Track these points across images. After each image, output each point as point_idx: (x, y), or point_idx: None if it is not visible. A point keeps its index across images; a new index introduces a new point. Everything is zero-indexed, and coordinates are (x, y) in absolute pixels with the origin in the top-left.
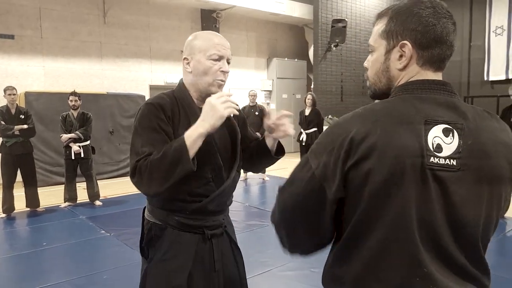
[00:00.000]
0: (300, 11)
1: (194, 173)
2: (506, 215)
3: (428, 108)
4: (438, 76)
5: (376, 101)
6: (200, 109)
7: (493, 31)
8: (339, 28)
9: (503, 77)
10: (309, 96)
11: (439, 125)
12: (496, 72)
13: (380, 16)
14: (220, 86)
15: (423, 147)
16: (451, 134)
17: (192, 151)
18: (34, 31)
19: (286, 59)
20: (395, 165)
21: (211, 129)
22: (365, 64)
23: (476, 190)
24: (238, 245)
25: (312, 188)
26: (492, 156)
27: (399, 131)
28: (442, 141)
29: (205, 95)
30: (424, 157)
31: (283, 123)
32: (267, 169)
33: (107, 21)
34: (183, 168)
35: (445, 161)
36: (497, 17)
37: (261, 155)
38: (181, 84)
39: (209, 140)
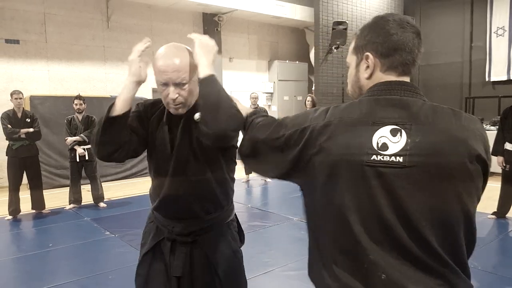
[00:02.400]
0: (301, 14)
1: (154, 171)
2: (508, 215)
3: (380, 110)
4: (402, 79)
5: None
6: (174, 117)
7: (494, 32)
8: (340, 30)
9: (504, 78)
10: (308, 98)
11: (386, 126)
12: (497, 72)
13: (353, 36)
14: (177, 109)
15: (364, 146)
16: (398, 134)
17: (118, 103)
18: (38, 36)
19: (287, 61)
20: (336, 162)
21: (131, 83)
22: (348, 79)
23: (425, 185)
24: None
25: (276, 144)
26: (445, 153)
27: (346, 132)
28: (389, 140)
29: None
30: (363, 155)
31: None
32: None
33: (110, 26)
34: (105, 117)
35: (390, 158)
36: (498, 18)
37: None
38: None
39: (165, 144)
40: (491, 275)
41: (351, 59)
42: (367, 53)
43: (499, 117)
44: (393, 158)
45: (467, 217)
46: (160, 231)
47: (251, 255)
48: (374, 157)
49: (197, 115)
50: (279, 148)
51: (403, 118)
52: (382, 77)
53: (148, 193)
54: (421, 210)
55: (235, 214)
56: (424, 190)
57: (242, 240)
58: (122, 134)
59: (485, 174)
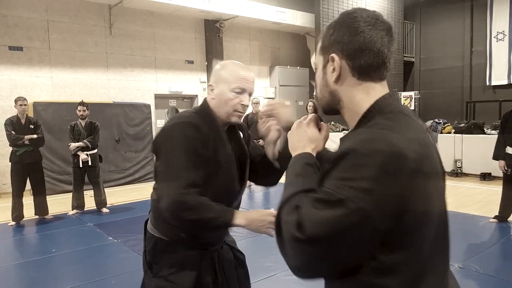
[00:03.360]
0: (301, 20)
1: (211, 190)
2: (510, 219)
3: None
4: (384, 86)
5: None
6: (223, 130)
7: (494, 37)
8: None
9: (505, 82)
10: (310, 103)
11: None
12: (498, 77)
13: (320, 34)
14: (240, 117)
15: (436, 153)
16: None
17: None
18: (42, 43)
19: (288, 67)
20: (430, 177)
21: (244, 227)
22: (316, 82)
23: (444, 189)
24: (242, 250)
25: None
26: (438, 160)
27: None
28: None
29: (225, 122)
30: (439, 165)
31: (269, 124)
32: None
33: (113, 33)
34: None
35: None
36: (498, 23)
37: (266, 170)
38: (207, 106)
39: (230, 167)
40: (493, 279)
41: (318, 60)
42: (332, 54)
43: (500, 121)
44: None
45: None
46: (189, 253)
47: (254, 259)
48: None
49: (241, 133)
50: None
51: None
52: (365, 87)
53: (149, 198)
54: (446, 213)
55: None
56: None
57: None
58: None
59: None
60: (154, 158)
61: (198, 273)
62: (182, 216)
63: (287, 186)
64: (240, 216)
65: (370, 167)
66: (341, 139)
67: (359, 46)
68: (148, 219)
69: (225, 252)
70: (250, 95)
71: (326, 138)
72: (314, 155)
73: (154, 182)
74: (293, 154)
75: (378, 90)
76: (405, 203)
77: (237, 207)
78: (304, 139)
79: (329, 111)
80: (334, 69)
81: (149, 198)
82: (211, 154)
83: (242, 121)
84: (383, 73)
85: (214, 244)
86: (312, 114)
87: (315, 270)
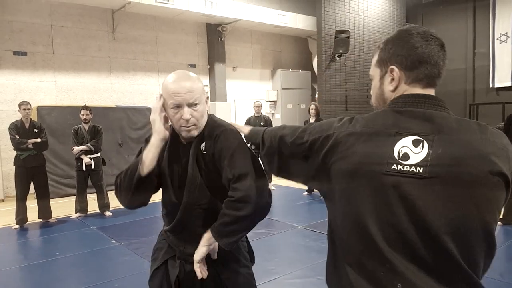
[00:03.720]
0: (303, 23)
1: (167, 198)
2: None
3: (403, 121)
4: (427, 91)
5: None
6: (182, 144)
7: (497, 39)
8: (342, 39)
9: (508, 84)
10: (312, 106)
11: (409, 137)
12: (501, 79)
13: (376, 49)
14: (190, 131)
15: (385, 155)
16: (420, 145)
17: (147, 162)
18: (46, 48)
19: (290, 70)
20: (356, 170)
21: (157, 140)
22: (371, 92)
23: (445, 196)
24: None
25: (301, 150)
26: (466, 165)
27: (368, 141)
28: (410, 151)
29: (183, 137)
30: (383, 164)
31: None
32: (273, 178)
33: (116, 37)
34: (137, 176)
35: (410, 168)
36: (501, 25)
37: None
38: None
39: (178, 172)
40: (498, 282)
41: (374, 72)
42: (392, 66)
43: (503, 123)
44: (413, 168)
45: (486, 230)
46: (171, 249)
47: (256, 263)
48: (394, 166)
49: (203, 146)
50: (303, 153)
51: (426, 129)
52: (407, 89)
53: (156, 202)
54: (440, 220)
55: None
56: (443, 201)
57: (252, 259)
58: (151, 188)
59: (508, 188)
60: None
61: (161, 265)
62: (117, 192)
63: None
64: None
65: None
66: None
67: (417, 59)
68: None
69: (208, 272)
70: (190, 105)
71: None
72: None
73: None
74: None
75: (416, 92)
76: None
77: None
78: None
79: None
80: (392, 79)
81: (152, 201)
82: (161, 166)
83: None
84: (435, 82)
85: (185, 254)
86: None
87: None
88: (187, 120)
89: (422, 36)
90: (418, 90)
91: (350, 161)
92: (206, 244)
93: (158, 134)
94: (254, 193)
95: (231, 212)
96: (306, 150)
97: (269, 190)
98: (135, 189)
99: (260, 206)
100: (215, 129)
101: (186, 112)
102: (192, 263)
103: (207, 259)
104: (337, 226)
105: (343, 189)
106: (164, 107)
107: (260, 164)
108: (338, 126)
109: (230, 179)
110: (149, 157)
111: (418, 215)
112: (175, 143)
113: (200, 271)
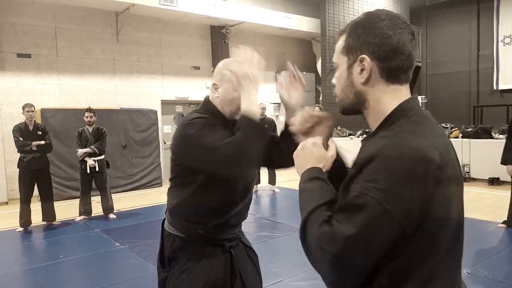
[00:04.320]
0: (307, 25)
1: (229, 187)
2: None
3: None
4: (407, 89)
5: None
6: (230, 126)
7: (501, 41)
8: None
9: None
10: (316, 108)
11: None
12: (505, 81)
13: (340, 33)
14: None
15: (456, 158)
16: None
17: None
18: (49, 50)
19: None
20: (454, 179)
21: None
22: (333, 81)
23: (461, 195)
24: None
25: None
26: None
27: (447, 148)
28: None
29: (228, 120)
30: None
31: (293, 85)
32: (277, 181)
33: (120, 39)
34: (258, 127)
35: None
36: (504, 27)
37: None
38: (210, 103)
39: None
40: (502, 285)
41: (340, 60)
42: (363, 55)
43: (507, 125)
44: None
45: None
46: (206, 249)
47: (261, 265)
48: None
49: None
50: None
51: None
52: (392, 90)
53: (160, 205)
54: (461, 218)
55: None
56: (461, 200)
57: None
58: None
59: None
60: (175, 156)
61: (214, 267)
62: (236, 157)
63: (305, 202)
64: (247, 105)
65: (397, 170)
66: (364, 142)
67: (391, 49)
68: (164, 219)
69: (240, 250)
70: None
71: (333, 157)
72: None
73: (170, 182)
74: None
75: (403, 92)
76: (428, 207)
77: (248, 199)
78: (311, 160)
79: (349, 111)
80: (362, 70)
81: (157, 204)
82: None
83: None
84: (409, 76)
85: (230, 240)
86: (318, 137)
87: (344, 273)
88: None
89: (394, 23)
90: (404, 90)
91: (452, 178)
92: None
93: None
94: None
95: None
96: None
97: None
98: (257, 143)
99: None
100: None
101: None
102: (234, 246)
103: (245, 248)
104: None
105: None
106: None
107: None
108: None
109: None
110: (255, 104)
111: (460, 214)
112: (226, 125)
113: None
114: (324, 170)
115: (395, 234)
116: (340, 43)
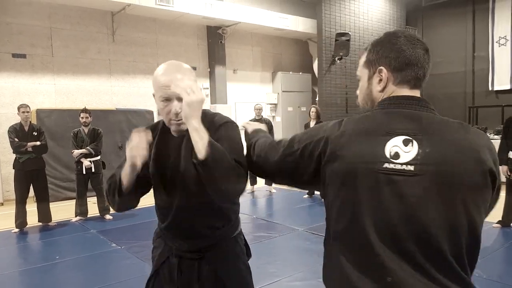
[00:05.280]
0: (304, 26)
1: (158, 194)
2: None
3: (393, 121)
4: (413, 93)
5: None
6: (173, 137)
7: (496, 42)
8: (342, 42)
9: (507, 87)
10: (313, 109)
11: (399, 136)
12: (500, 82)
13: (363, 50)
14: (179, 125)
15: (377, 154)
16: (410, 144)
17: (124, 180)
18: (45, 50)
19: (291, 72)
20: (350, 169)
21: (130, 167)
22: (357, 92)
23: (435, 193)
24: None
25: (292, 159)
26: (454, 163)
27: (360, 141)
28: (401, 150)
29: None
30: (376, 163)
31: None
32: None
33: (115, 39)
34: (118, 193)
35: (401, 166)
36: (500, 28)
37: None
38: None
39: (170, 167)
40: (497, 284)
41: (362, 72)
42: (381, 67)
43: (502, 126)
44: (404, 166)
45: (472, 228)
46: (167, 247)
47: (257, 265)
48: (386, 165)
49: None
50: (295, 161)
51: (415, 129)
52: (395, 90)
53: (154, 205)
54: (431, 217)
55: (240, 229)
56: (433, 198)
57: (248, 253)
58: (135, 196)
59: (495, 186)
60: None
61: (159, 265)
62: (114, 202)
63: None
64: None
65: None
66: None
67: (405, 61)
68: None
69: (205, 270)
70: (180, 99)
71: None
72: None
73: None
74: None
75: (405, 93)
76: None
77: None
78: (258, 126)
79: None
80: (380, 80)
81: (153, 204)
82: (149, 160)
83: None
84: (421, 84)
85: (182, 250)
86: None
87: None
88: (176, 114)
89: (408, 40)
90: (405, 91)
91: (343, 161)
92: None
93: (131, 161)
94: (244, 162)
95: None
96: (298, 158)
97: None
98: (118, 202)
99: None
100: (217, 120)
101: (175, 106)
102: (190, 259)
103: (207, 254)
104: (333, 225)
105: (338, 188)
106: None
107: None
108: (328, 129)
109: None
110: (125, 174)
111: (410, 213)
112: (165, 137)
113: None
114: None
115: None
116: (362, 58)
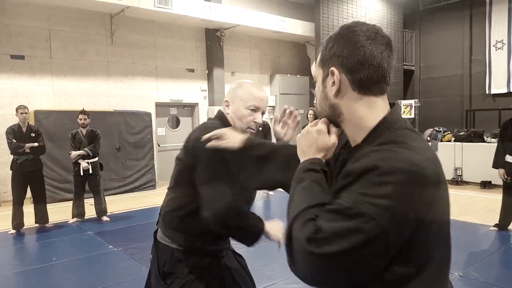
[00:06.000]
0: (301, 29)
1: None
2: (510, 227)
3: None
4: (385, 100)
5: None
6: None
7: (493, 45)
8: None
9: (504, 90)
10: (310, 112)
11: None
12: (497, 85)
13: (320, 46)
14: (252, 133)
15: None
16: None
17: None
18: (43, 52)
19: (288, 75)
20: (446, 193)
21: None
22: (316, 95)
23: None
24: (244, 258)
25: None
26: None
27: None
28: None
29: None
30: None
31: (287, 123)
32: None
33: (114, 41)
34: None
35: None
36: (496, 32)
37: None
38: (225, 118)
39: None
40: (494, 287)
41: (318, 73)
42: (332, 68)
43: (499, 129)
44: None
45: None
46: (204, 260)
47: (255, 268)
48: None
49: None
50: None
51: None
52: (365, 101)
53: (153, 207)
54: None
55: None
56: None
57: None
58: None
59: None
60: (183, 163)
61: (212, 279)
62: (229, 221)
63: (297, 197)
64: (266, 225)
65: (391, 185)
66: (349, 154)
67: (358, 60)
68: (157, 229)
69: (230, 258)
70: (263, 113)
71: (335, 146)
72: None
73: (170, 192)
74: (302, 159)
75: (379, 104)
76: (423, 220)
77: None
78: (313, 146)
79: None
80: (333, 82)
81: (150, 207)
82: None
83: None
84: (384, 87)
85: (223, 251)
86: (324, 119)
87: (328, 281)
88: (257, 124)
89: (366, 34)
90: (380, 101)
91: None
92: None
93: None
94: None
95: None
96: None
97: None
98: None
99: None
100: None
101: (260, 117)
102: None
103: (235, 255)
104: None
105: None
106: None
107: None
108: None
109: None
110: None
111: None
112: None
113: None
114: (324, 159)
115: (384, 248)
116: (318, 56)
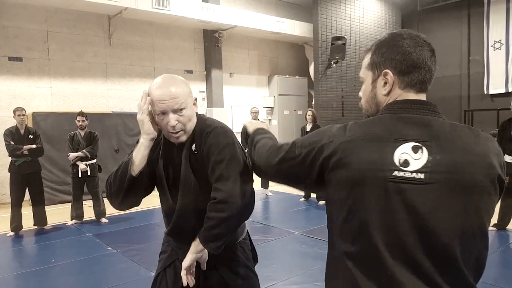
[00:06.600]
0: (300, 30)
1: (163, 201)
2: (508, 227)
3: (401, 127)
4: (420, 97)
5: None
6: (175, 146)
7: (491, 46)
8: (338, 46)
9: (502, 91)
10: (309, 112)
11: (408, 143)
12: (495, 85)
13: (366, 51)
14: (178, 137)
15: (387, 162)
16: (420, 151)
17: (136, 162)
18: (41, 53)
19: (287, 76)
20: (358, 177)
21: (146, 140)
22: (360, 93)
23: (447, 202)
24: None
25: (293, 163)
26: (465, 170)
27: (368, 148)
28: (410, 157)
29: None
30: (386, 171)
31: None
32: (270, 184)
33: (112, 43)
34: (128, 176)
35: (411, 174)
36: (495, 32)
37: None
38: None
39: (171, 176)
40: (493, 287)
41: (366, 74)
42: (386, 70)
43: (497, 129)
44: (414, 174)
45: (483, 234)
46: (174, 252)
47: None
48: (395, 173)
49: (194, 146)
50: (296, 167)
51: (424, 135)
52: (401, 94)
53: (152, 208)
54: (443, 227)
55: (247, 233)
56: (445, 207)
57: (255, 258)
58: (142, 189)
59: (501, 191)
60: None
61: (165, 268)
62: (108, 193)
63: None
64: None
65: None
66: None
67: (411, 63)
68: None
69: (211, 274)
70: (176, 111)
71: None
72: None
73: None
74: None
75: (411, 97)
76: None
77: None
78: (259, 124)
79: None
80: (385, 83)
81: (149, 208)
82: (152, 169)
83: (241, 131)
84: (427, 87)
85: (184, 254)
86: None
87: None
88: (173, 127)
89: (415, 41)
90: (412, 95)
91: (350, 169)
92: (194, 251)
93: (147, 134)
94: (237, 193)
95: (214, 215)
96: (299, 164)
97: (253, 190)
98: (126, 190)
99: (243, 207)
100: (206, 127)
101: (172, 119)
102: (195, 266)
103: (212, 262)
104: (338, 232)
105: (344, 197)
106: (151, 111)
107: (248, 166)
108: (332, 135)
109: (213, 178)
110: (139, 157)
111: (421, 222)
112: (169, 145)
113: (186, 278)
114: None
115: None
116: (366, 60)
